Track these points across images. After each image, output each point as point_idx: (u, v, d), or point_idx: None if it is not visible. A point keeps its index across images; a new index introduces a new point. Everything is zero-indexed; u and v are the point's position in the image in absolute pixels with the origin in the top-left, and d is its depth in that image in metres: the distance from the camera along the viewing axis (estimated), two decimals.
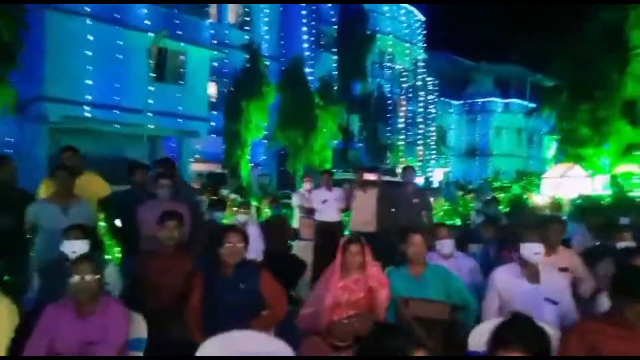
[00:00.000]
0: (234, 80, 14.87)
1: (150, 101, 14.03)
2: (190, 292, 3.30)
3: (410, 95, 20.07)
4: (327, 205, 6.82)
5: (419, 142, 20.53)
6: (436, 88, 21.74)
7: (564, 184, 14.13)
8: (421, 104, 20.66)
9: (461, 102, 33.05)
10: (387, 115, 18.64)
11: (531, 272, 3.21)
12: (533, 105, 33.64)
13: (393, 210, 6.14)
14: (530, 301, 3.10)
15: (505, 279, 3.25)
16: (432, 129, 21.74)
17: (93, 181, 5.12)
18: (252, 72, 14.31)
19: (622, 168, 20.59)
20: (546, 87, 25.98)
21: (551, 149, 38.01)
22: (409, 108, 19.91)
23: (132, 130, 14.28)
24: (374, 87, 19.02)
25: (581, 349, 2.29)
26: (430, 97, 21.40)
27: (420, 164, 19.78)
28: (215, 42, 16.15)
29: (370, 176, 6.49)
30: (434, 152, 21.92)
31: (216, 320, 3.17)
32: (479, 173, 28.59)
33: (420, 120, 20.60)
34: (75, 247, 3.47)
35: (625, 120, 21.39)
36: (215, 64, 16.44)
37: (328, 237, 6.35)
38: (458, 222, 9.90)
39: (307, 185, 7.41)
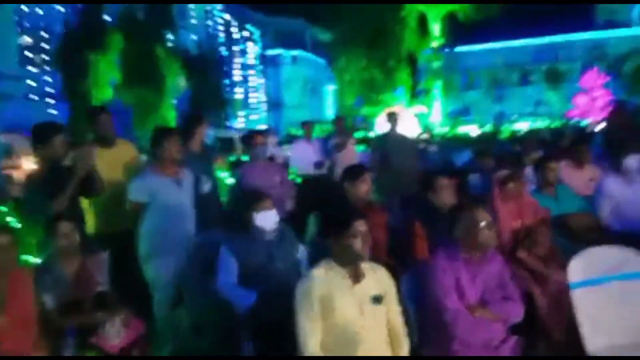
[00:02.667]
0: (69, 30, 12.39)
1: None
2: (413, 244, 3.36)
3: (240, 48, 19.78)
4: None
5: (251, 95, 20.59)
6: (259, 40, 21.87)
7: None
8: (249, 57, 20.59)
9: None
10: (224, 70, 18.11)
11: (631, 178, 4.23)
12: (315, 57, 36.53)
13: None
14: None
15: (617, 187, 4.21)
16: (262, 81, 22.00)
17: (129, 149, 4.28)
18: (93, 19, 12.12)
19: (414, 110, 24.58)
20: (333, 40, 28.28)
21: (329, 98, 42.29)
22: (240, 61, 19.66)
23: None
24: (198, 41, 18.14)
25: None
26: (255, 48, 21.43)
27: (256, 118, 19.98)
28: None
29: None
30: (263, 104, 22.33)
31: None
32: (276, 124, 30.03)
33: (251, 73, 20.57)
34: (275, 218, 3.16)
35: (409, 69, 25.40)
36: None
37: None
38: None
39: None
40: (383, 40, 23.94)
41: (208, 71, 17.17)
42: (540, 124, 16.67)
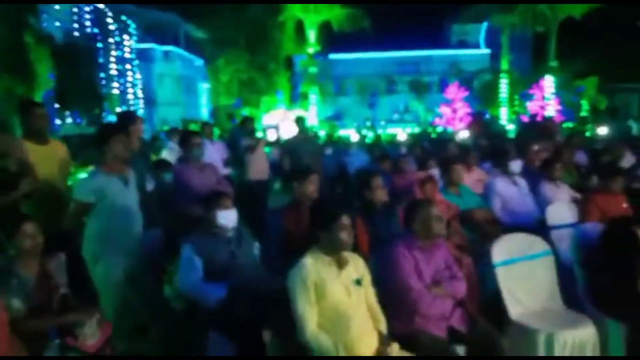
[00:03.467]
0: None
1: None
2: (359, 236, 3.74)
3: (115, 40, 18.50)
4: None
5: (129, 90, 19.38)
6: (134, 32, 20.62)
7: (286, 127, 16.81)
8: (127, 50, 19.33)
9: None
10: (100, 62, 16.78)
11: (514, 179, 5.12)
12: (189, 54, 35.51)
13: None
14: (523, 198, 5.02)
15: (504, 187, 5.05)
16: (139, 76, 20.79)
17: (61, 147, 4.10)
18: None
19: (295, 113, 25.23)
20: (209, 39, 27.70)
21: (204, 96, 41.31)
22: (116, 54, 18.40)
23: None
24: (64, 28, 16.63)
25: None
26: (132, 42, 20.18)
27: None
28: None
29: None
30: (141, 100, 21.13)
31: None
32: (149, 122, 28.75)
33: (128, 67, 19.32)
34: (234, 216, 3.35)
35: (287, 74, 26.01)
36: None
37: None
38: None
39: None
40: (262, 44, 24.08)
41: (77, 62, 15.89)
42: (411, 130, 18.33)
